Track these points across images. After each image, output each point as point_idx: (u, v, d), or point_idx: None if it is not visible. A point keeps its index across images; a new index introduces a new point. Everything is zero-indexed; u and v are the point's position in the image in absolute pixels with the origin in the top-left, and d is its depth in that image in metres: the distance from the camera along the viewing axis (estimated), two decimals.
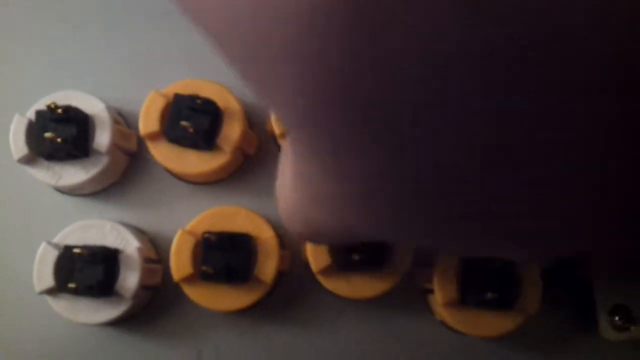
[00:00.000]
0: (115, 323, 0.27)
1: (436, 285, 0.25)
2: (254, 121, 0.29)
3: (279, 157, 0.29)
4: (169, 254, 0.27)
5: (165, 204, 0.29)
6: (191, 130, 0.25)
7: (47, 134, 0.25)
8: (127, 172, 0.29)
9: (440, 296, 0.25)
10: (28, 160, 0.26)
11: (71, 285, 0.24)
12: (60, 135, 0.25)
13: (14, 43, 0.30)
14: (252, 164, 0.29)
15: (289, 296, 0.28)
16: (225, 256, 0.25)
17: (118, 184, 0.29)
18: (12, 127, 0.26)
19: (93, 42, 0.30)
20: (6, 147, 0.28)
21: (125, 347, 0.28)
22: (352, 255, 0.25)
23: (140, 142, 0.29)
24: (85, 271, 0.25)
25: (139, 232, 0.28)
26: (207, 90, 0.26)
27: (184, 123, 0.25)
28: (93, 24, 0.30)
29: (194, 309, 0.28)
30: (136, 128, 0.29)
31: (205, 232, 0.25)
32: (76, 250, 0.24)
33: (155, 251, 0.28)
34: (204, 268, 0.24)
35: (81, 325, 0.27)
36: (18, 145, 0.26)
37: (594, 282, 0.27)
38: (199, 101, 0.26)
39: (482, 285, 0.25)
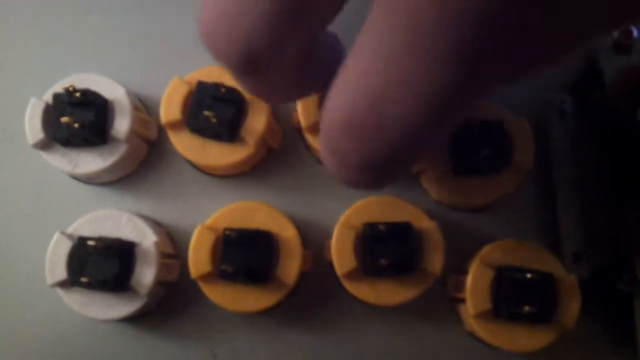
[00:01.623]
0: (128, 319, 0.26)
1: (468, 295, 0.24)
2: (278, 113, 0.28)
3: (303, 151, 0.28)
4: (187, 249, 0.26)
5: (184, 196, 0.28)
6: (214, 120, 0.24)
7: (64, 119, 0.24)
8: (145, 161, 0.28)
9: (472, 307, 0.24)
10: (43, 145, 0.25)
11: (84, 279, 0.23)
12: (78, 120, 0.24)
13: (33, 23, 0.29)
14: (275, 158, 0.28)
15: (309, 298, 0.27)
16: (245, 255, 0.23)
17: (136, 174, 0.28)
18: (28, 110, 0.25)
19: (115, 24, 0.29)
20: (21, 131, 0.27)
21: (137, 345, 0.26)
22: (380, 260, 0.23)
23: (161, 130, 0.28)
24: (100, 264, 0.23)
25: (156, 224, 0.27)
26: (231, 79, 0.25)
27: (206, 113, 0.24)
28: (117, 5, 0.29)
29: (211, 308, 0.26)
30: (157, 115, 0.27)
31: (226, 229, 0.24)
32: (90, 243, 0.23)
33: (173, 246, 0.27)
34: (223, 267, 0.23)
35: (92, 320, 0.26)
36: (34, 129, 0.25)
37: (636, 297, 0.25)
38: (223, 90, 0.24)
39: (517, 297, 0.23)
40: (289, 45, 0.13)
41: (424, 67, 0.11)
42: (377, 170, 0.13)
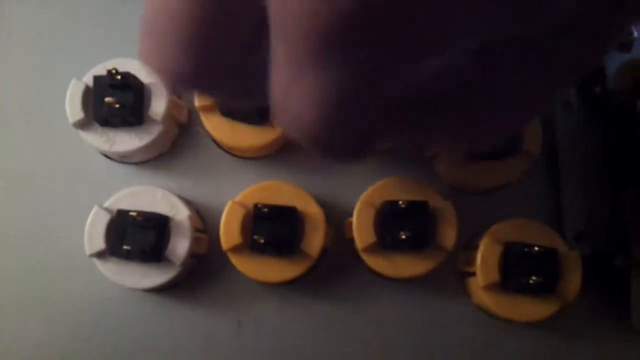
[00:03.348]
0: (160, 290, 0.28)
1: (478, 268, 0.26)
2: None
3: None
4: (214, 225, 0.28)
5: (211, 176, 0.29)
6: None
7: (108, 99, 0.25)
8: (176, 143, 0.30)
9: (481, 279, 0.26)
10: (83, 124, 0.27)
11: (126, 247, 0.24)
12: (118, 101, 0.26)
13: (73, 12, 0.30)
14: (297, 143, 0.30)
15: (329, 272, 0.28)
16: (274, 227, 0.25)
17: (166, 155, 0.29)
18: (69, 91, 0.27)
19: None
20: (58, 112, 0.28)
21: (167, 314, 0.28)
22: (399, 234, 0.25)
23: (190, 114, 0.30)
24: (138, 235, 0.25)
25: (186, 202, 0.28)
26: None
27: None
28: None
29: (237, 280, 0.28)
30: (186, 99, 0.29)
31: (256, 204, 0.26)
32: (132, 214, 0.25)
33: (202, 221, 0.29)
34: (255, 237, 0.25)
35: (125, 290, 0.28)
36: (74, 109, 0.27)
37: (631, 273, 0.27)
38: None
39: (524, 269, 0.25)
40: (214, 66, 0.14)
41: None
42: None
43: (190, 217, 0.26)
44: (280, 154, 0.30)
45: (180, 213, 0.26)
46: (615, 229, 0.28)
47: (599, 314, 0.29)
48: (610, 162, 0.30)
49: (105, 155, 0.29)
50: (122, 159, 0.29)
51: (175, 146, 0.30)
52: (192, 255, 0.27)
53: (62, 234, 0.29)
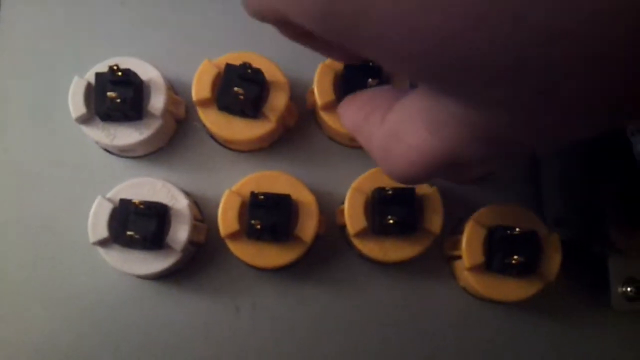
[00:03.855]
0: (161, 277, 0.29)
1: (464, 251, 0.27)
2: (293, 96, 0.31)
3: (316, 130, 0.31)
4: (211, 215, 0.29)
5: (208, 169, 0.31)
6: (242, 97, 0.27)
7: (110, 93, 0.26)
8: (173, 137, 0.31)
9: (467, 261, 0.27)
10: (85, 119, 0.28)
11: (129, 233, 0.26)
12: (119, 96, 0.27)
13: (74, 13, 0.32)
14: (290, 135, 0.31)
15: (323, 258, 0.30)
16: (270, 214, 0.26)
17: (165, 149, 0.31)
18: (72, 87, 0.28)
19: (147, 14, 0.32)
20: (60, 108, 0.30)
21: (168, 301, 0.29)
22: (387, 219, 0.27)
23: (187, 110, 0.31)
24: (139, 224, 0.26)
25: (184, 193, 0.30)
26: (255, 63, 0.28)
27: (237, 89, 0.27)
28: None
29: (234, 267, 0.29)
30: (184, 96, 0.31)
31: (252, 192, 0.27)
32: (135, 201, 0.26)
33: (199, 211, 0.30)
34: (252, 222, 0.26)
35: (127, 277, 0.29)
36: (76, 105, 0.28)
37: (609, 257, 0.29)
38: (249, 70, 0.27)
39: (506, 250, 0.27)
40: None
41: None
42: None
43: (189, 205, 0.27)
44: (274, 147, 0.31)
45: (179, 202, 0.28)
46: (593, 216, 0.30)
47: (579, 295, 0.30)
48: (589, 153, 0.31)
49: (106, 150, 0.31)
50: (123, 152, 0.30)
51: (173, 140, 0.31)
52: (191, 242, 0.28)
53: (65, 224, 0.30)
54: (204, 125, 0.29)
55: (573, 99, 0.13)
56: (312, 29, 0.15)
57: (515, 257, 0.26)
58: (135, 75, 0.28)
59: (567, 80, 0.12)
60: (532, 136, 0.15)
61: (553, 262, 0.27)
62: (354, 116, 0.20)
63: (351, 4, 0.13)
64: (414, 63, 0.14)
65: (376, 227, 0.27)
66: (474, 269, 0.27)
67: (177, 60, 0.31)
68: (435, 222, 0.28)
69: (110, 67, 0.27)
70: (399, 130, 0.18)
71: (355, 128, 0.20)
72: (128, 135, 0.28)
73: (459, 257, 0.28)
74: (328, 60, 0.29)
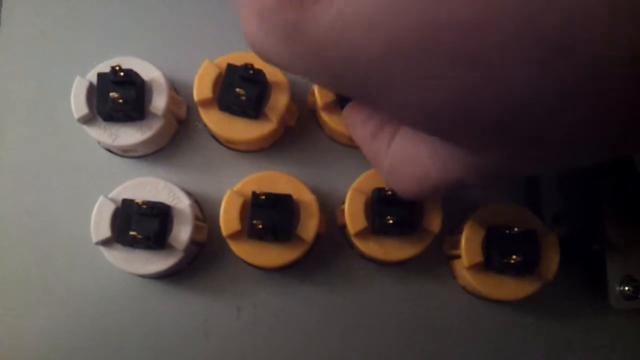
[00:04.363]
0: (163, 276, 0.29)
1: (463, 250, 0.27)
2: (294, 97, 0.31)
3: (316, 130, 0.31)
4: (213, 215, 0.29)
5: (209, 169, 0.31)
6: (243, 98, 0.27)
7: (112, 94, 0.27)
8: (175, 137, 0.31)
9: (466, 260, 0.27)
10: (87, 119, 0.28)
11: (132, 233, 0.26)
12: (121, 96, 0.27)
13: (74, 13, 0.32)
14: (291, 136, 0.31)
15: (323, 258, 0.30)
16: (271, 214, 0.27)
17: (166, 149, 0.31)
18: (74, 88, 0.28)
19: (145, 14, 0.32)
20: (61, 109, 0.30)
21: (170, 300, 0.30)
22: (387, 219, 0.27)
23: (189, 110, 0.31)
24: (142, 224, 0.27)
25: (186, 193, 0.30)
26: (257, 63, 0.28)
27: (239, 90, 0.27)
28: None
29: (235, 267, 0.30)
30: (185, 96, 0.31)
31: (254, 191, 0.27)
32: (138, 201, 0.26)
33: (201, 211, 0.30)
34: (254, 221, 0.26)
35: (129, 277, 0.29)
36: (79, 105, 0.28)
37: (607, 255, 0.29)
38: (251, 71, 0.28)
39: (505, 250, 0.27)
40: None
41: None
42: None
43: (191, 205, 0.28)
44: (274, 147, 0.31)
45: (181, 202, 0.28)
46: (591, 213, 0.30)
47: (578, 294, 0.30)
48: None
49: (108, 150, 0.31)
50: (125, 152, 0.30)
51: (175, 141, 0.31)
52: (193, 242, 0.28)
53: (67, 224, 0.30)
54: (205, 126, 0.30)
55: (557, 144, 0.14)
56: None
57: (514, 256, 0.26)
58: (137, 75, 0.28)
59: (551, 132, 0.14)
60: (527, 168, 0.17)
61: (551, 261, 0.27)
62: (361, 131, 0.21)
63: (374, 73, 0.14)
64: (422, 124, 0.16)
65: (376, 227, 0.27)
66: (473, 268, 0.27)
67: (178, 61, 0.31)
68: (434, 222, 0.28)
69: (113, 68, 0.27)
70: (405, 157, 0.19)
71: (363, 143, 0.21)
72: (130, 135, 0.29)
73: (459, 257, 0.28)
74: None
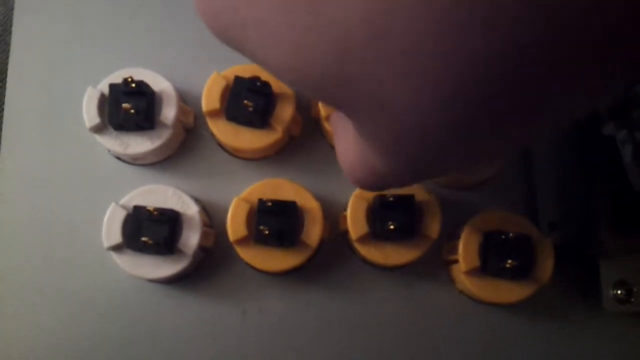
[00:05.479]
0: (171, 281, 0.30)
1: (460, 255, 0.29)
2: (298, 106, 0.32)
3: (319, 139, 0.33)
4: (219, 221, 0.30)
5: (216, 176, 0.32)
6: (251, 109, 0.28)
7: (125, 105, 0.28)
8: (183, 146, 0.32)
9: (464, 265, 0.28)
10: (99, 129, 0.29)
11: (144, 239, 0.27)
12: (133, 107, 0.28)
13: (86, 26, 0.33)
14: (295, 144, 0.32)
15: (326, 263, 0.31)
16: (277, 220, 0.28)
17: (174, 157, 0.32)
18: (85, 98, 0.29)
19: (157, 27, 0.33)
20: (73, 118, 0.31)
21: (177, 304, 0.30)
22: (388, 224, 0.28)
23: (196, 119, 0.32)
24: (152, 230, 0.28)
25: (194, 200, 0.31)
26: (263, 75, 0.30)
27: (246, 101, 0.28)
28: (158, 10, 0.33)
29: (241, 272, 0.31)
30: (193, 106, 0.32)
31: (260, 198, 0.28)
32: (149, 208, 0.27)
33: (208, 218, 0.31)
34: (261, 227, 0.27)
35: (137, 282, 0.30)
36: (91, 114, 0.29)
37: (600, 260, 0.30)
38: (258, 84, 0.29)
39: (501, 254, 0.28)
40: None
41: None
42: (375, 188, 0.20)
43: (200, 212, 0.29)
44: (279, 155, 0.32)
45: (190, 209, 0.29)
46: (586, 220, 0.31)
47: (572, 298, 0.31)
48: (582, 158, 0.32)
49: (118, 158, 0.32)
50: (134, 160, 0.31)
51: (183, 149, 0.32)
52: (201, 247, 0.29)
53: (79, 230, 0.31)
54: (212, 134, 0.31)
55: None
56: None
57: (510, 261, 0.27)
58: (148, 86, 0.29)
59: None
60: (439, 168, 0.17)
61: (546, 265, 0.28)
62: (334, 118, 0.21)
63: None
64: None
65: (377, 233, 0.29)
66: (470, 272, 0.28)
67: (187, 72, 0.32)
68: (433, 227, 0.29)
69: (125, 79, 0.28)
70: (347, 157, 0.20)
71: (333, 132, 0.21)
72: (140, 144, 0.30)
73: (456, 262, 0.29)
74: None
